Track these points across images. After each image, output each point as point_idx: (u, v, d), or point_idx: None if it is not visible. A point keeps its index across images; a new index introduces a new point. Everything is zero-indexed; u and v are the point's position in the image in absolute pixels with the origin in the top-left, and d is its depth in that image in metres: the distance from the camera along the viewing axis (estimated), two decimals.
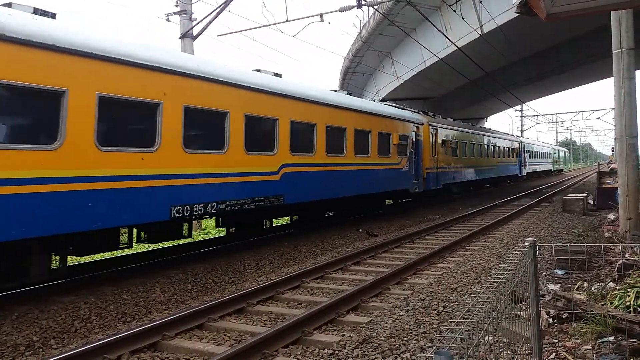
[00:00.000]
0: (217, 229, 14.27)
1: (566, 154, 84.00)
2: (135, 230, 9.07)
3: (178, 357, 5.43)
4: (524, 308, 3.94)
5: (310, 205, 13.25)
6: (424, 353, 4.99)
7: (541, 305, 5.06)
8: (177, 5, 17.25)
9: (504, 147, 34.54)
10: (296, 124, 11.83)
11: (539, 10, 4.12)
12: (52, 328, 6.36)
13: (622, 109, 10.25)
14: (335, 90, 15.59)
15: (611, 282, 6.21)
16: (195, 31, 17.19)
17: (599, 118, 62.75)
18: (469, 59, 19.66)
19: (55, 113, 6.97)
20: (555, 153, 63.19)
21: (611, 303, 5.39)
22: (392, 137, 16.81)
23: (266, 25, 18.49)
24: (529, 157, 43.27)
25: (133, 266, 9.49)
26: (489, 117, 57.55)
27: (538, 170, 49.33)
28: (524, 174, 40.45)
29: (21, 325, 6.29)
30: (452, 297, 7.10)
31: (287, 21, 18.03)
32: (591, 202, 18.85)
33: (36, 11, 7.16)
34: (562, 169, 71.88)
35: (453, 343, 2.15)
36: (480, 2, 20.18)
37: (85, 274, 8.84)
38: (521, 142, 40.45)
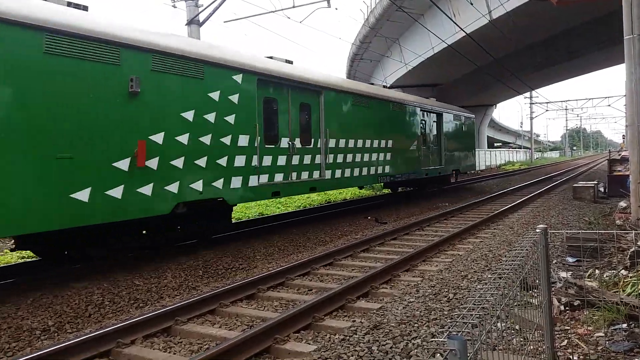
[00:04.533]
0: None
1: (455, 123, 22.32)
2: None
3: (191, 342, 5.49)
4: (535, 295, 3.95)
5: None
6: (435, 339, 5.02)
7: (552, 293, 5.06)
8: None
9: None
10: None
11: None
12: (67, 313, 6.45)
13: (634, 95, 10.12)
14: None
15: (623, 270, 6.18)
16: (201, 17, 17.14)
17: (609, 105, 62.47)
18: (477, 45, 19.50)
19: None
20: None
21: (623, 290, 5.38)
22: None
23: (273, 12, 18.41)
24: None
25: (144, 252, 9.58)
26: (497, 104, 57.14)
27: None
28: None
29: (36, 310, 6.39)
30: (462, 284, 7.11)
31: (293, 7, 17.95)
32: (602, 189, 18.72)
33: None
34: (448, 172, 21.53)
35: (465, 329, 2.15)
36: None
37: (97, 260, 8.93)
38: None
